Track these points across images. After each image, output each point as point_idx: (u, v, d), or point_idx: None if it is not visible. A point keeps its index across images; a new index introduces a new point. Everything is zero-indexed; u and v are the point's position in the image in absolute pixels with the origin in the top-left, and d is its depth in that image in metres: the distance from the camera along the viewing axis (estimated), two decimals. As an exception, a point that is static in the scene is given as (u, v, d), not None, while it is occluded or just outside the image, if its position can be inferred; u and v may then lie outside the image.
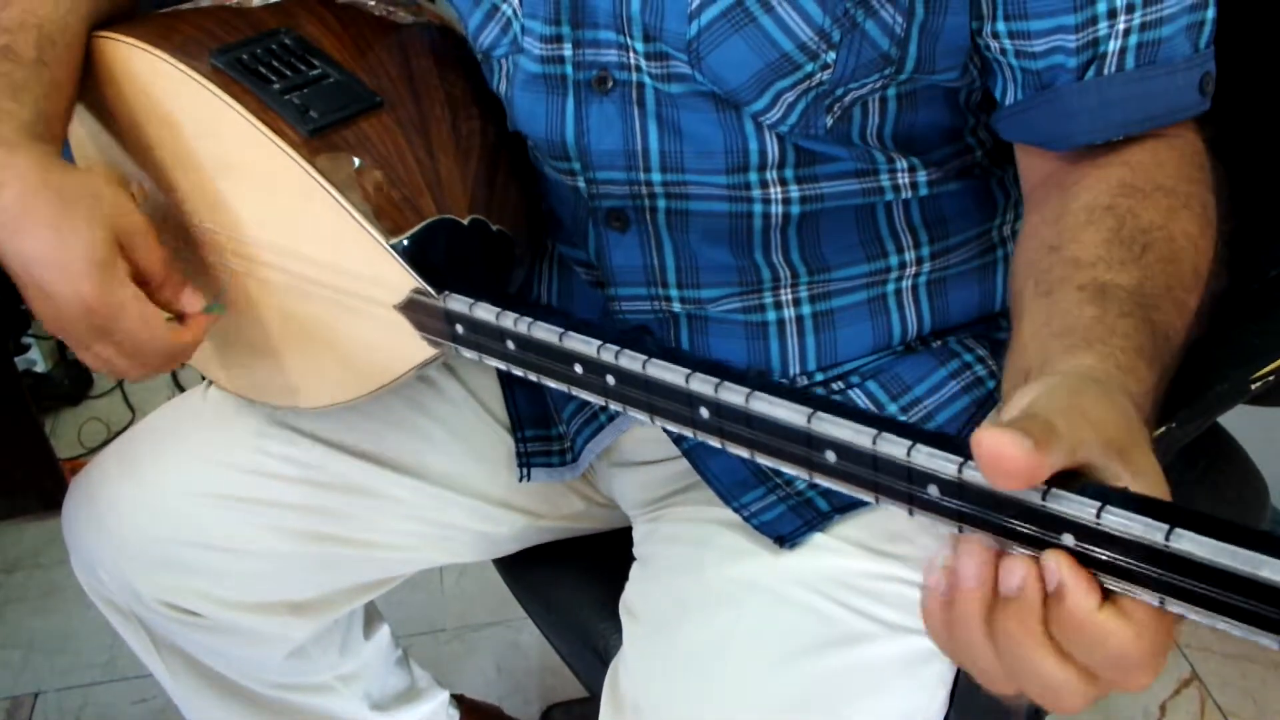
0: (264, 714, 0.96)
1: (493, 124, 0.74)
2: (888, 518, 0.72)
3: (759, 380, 0.51)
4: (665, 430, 0.75)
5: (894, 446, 0.45)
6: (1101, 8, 0.59)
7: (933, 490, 0.45)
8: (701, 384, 0.52)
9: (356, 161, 0.67)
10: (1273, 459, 0.97)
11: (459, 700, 1.22)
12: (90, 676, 1.50)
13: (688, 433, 0.55)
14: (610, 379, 0.57)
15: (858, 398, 0.73)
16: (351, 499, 0.84)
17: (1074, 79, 0.61)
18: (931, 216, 0.72)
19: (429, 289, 0.64)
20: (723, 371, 0.53)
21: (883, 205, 0.70)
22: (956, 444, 0.44)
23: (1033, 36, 0.61)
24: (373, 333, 0.70)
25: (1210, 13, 0.61)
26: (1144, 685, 0.41)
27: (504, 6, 0.69)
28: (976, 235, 0.75)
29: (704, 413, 0.53)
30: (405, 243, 0.65)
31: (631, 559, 0.82)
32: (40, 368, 1.97)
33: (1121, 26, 0.59)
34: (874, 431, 0.46)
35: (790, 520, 0.72)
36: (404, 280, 0.65)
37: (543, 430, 0.86)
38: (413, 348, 0.68)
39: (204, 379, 0.89)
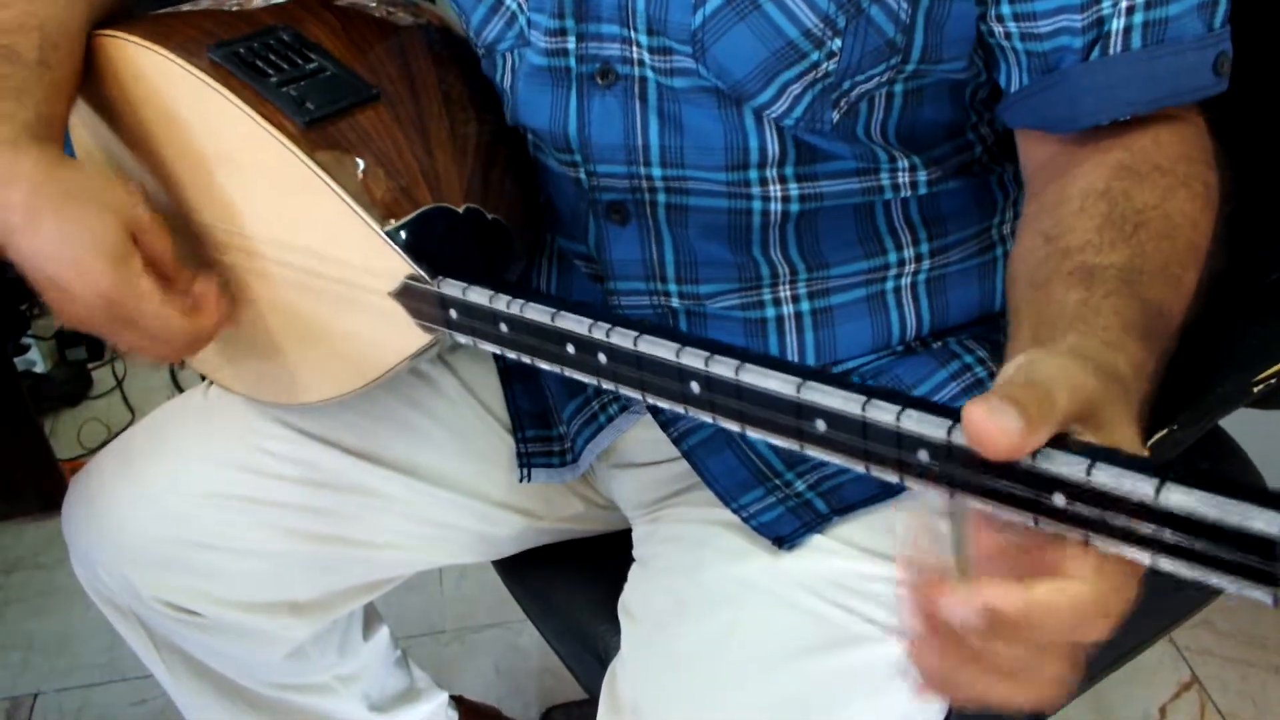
0: (263, 714, 0.96)
1: (490, 120, 0.74)
2: (887, 520, 0.72)
3: (749, 353, 0.52)
4: (662, 427, 0.76)
5: (883, 412, 0.46)
6: None
7: (922, 455, 0.45)
8: (692, 358, 0.53)
9: (352, 152, 0.68)
10: (1274, 462, 0.97)
11: (458, 702, 1.22)
12: (90, 677, 1.50)
13: (679, 409, 0.55)
14: (602, 357, 0.57)
15: (858, 399, 0.73)
16: (351, 499, 0.84)
17: (1079, 60, 0.61)
18: (930, 214, 0.72)
19: (423, 274, 0.65)
20: (713, 346, 0.53)
21: (881, 203, 0.70)
22: (946, 410, 0.44)
23: (1038, 18, 0.61)
24: (369, 323, 0.70)
25: None
26: (1101, 633, 0.41)
27: (509, 1, 0.69)
28: (975, 233, 0.75)
29: (694, 387, 0.53)
30: (400, 230, 0.66)
31: (631, 561, 0.82)
32: (40, 368, 1.97)
33: (1125, 4, 0.59)
34: (863, 398, 0.46)
35: (789, 521, 0.72)
36: (399, 267, 0.66)
37: (543, 430, 0.86)
38: (408, 336, 0.68)
39: (203, 378, 0.89)
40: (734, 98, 0.65)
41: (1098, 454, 0.40)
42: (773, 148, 0.66)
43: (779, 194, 0.68)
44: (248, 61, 0.70)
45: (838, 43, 0.61)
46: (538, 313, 0.59)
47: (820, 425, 0.49)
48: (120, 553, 0.83)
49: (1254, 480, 0.92)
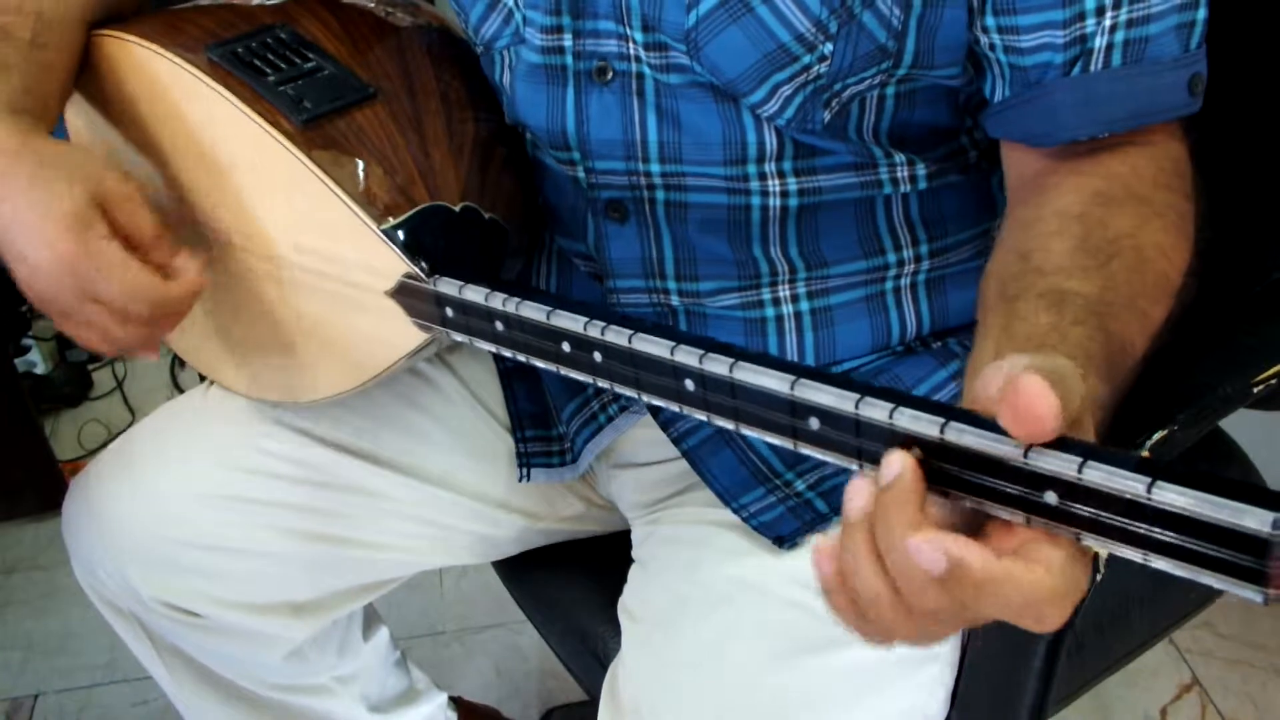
0: (263, 715, 0.96)
1: (488, 120, 0.75)
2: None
3: (743, 351, 0.52)
4: (661, 427, 0.76)
5: (876, 410, 0.46)
6: (1089, 4, 0.59)
7: (915, 453, 0.45)
8: (686, 355, 0.53)
9: (349, 150, 0.68)
10: (1274, 463, 0.97)
11: (457, 703, 1.22)
12: (90, 678, 1.50)
13: (674, 406, 0.55)
14: (597, 355, 0.58)
15: (857, 399, 0.73)
16: (351, 499, 0.84)
17: (1060, 74, 0.61)
18: (930, 214, 0.72)
19: (419, 272, 0.65)
20: (706, 343, 0.53)
21: (881, 200, 0.71)
22: (939, 406, 0.45)
23: (1021, 32, 0.61)
24: (366, 321, 0.70)
25: (1201, 13, 0.61)
26: (1056, 622, 0.41)
27: None
28: (975, 235, 0.75)
29: (689, 384, 0.54)
30: (397, 228, 0.66)
31: (630, 562, 0.82)
32: (40, 369, 1.97)
33: (1108, 23, 0.60)
34: (856, 396, 0.47)
35: (789, 521, 0.72)
36: (396, 266, 0.66)
37: (543, 430, 0.86)
38: (406, 334, 0.68)
39: (202, 379, 0.89)
40: (730, 94, 0.65)
41: (1089, 452, 0.40)
42: (770, 143, 0.67)
43: (778, 188, 0.68)
44: (245, 60, 0.70)
45: (829, 47, 0.62)
46: (533, 311, 0.59)
47: (814, 423, 0.49)
48: (120, 554, 0.83)
49: (1252, 480, 0.92)
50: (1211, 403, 0.68)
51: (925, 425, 0.44)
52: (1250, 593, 0.37)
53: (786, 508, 0.73)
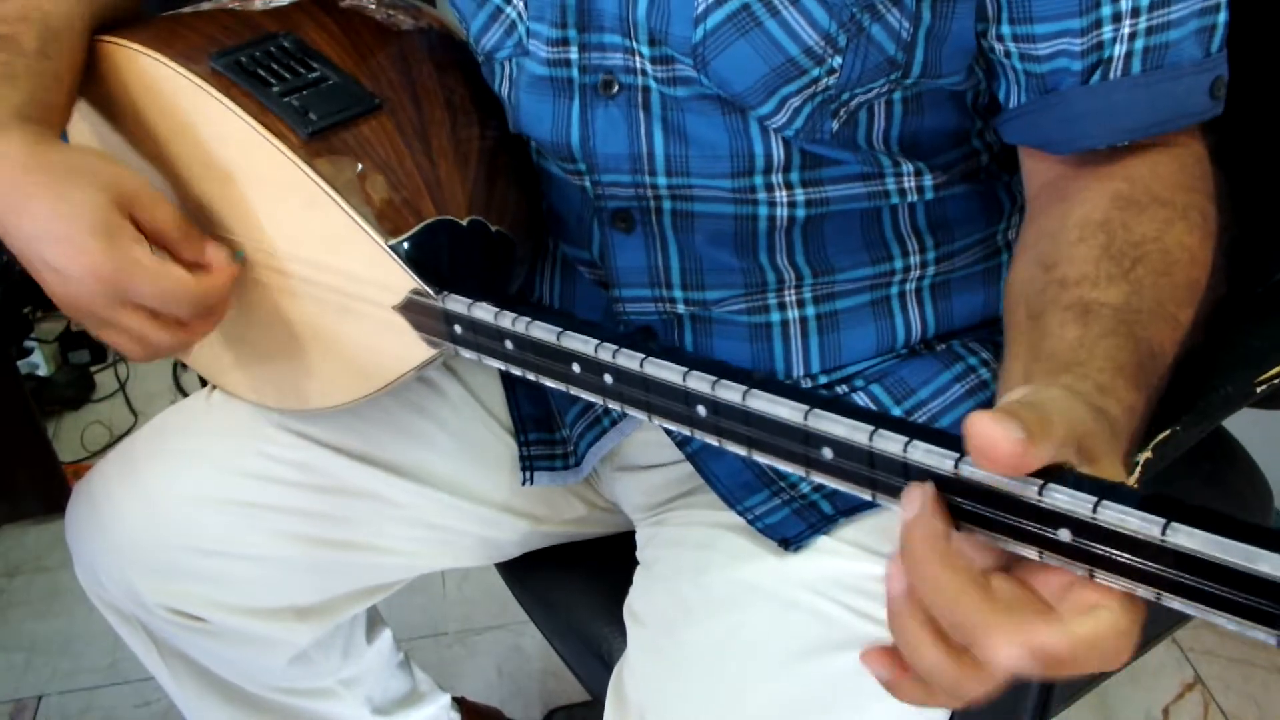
0: (266, 718, 0.96)
1: (493, 127, 0.74)
2: (891, 520, 0.72)
3: (756, 378, 0.52)
4: (666, 431, 0.76)
5: (890, 442, 0.46)
6: (1106, 11, 0.59)
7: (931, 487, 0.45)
8: (699, 381, 0.53)
9: (355, 164, 0.67)
10: (1277, 462, 0.97)
11: (460, 703, 1.22)
12: (93, 680, 1.50)
13: (685, 431, 0.55)
14: (608, 378, 0.57)
15: (862, 401, 0.73)
16: (354, 503, 0.84)
17: (1079, 83, 0.61)
18: (937, 220, 0.72)
19: (427, 289, 0.64)
20: (720, 369, 0.53)
21: (888, 209, 0.70)
22: (953, 440, 0.44)
23: (1037, 40, 0.60)
24: (373, 334, 0.70)
25: (1222, 16, 0.60)
26: (1127, 657, 0.41)
27: (508, 9, 0.69)
28: (981, 239, 0.75)
29: (701, 410, 0.53)
30: (404, 244, 0.65)
31: (634, 563, 0.81)
32: (43, 371, 1.98)
33: (1127, 30, 0.59)
34: (870, 428, 0.46)
35: (794, 523, 0.72)
36: (403, 281, 0.65)
37: (546, 434, 0.86)
38: (412, 349, 0.68)
39: (203, 383, 0.89)
40: (737, 106, 0.65)
41: (1104, 491, 0.40)
42: (778, 154, 0.66)
43: (785, 199, 0.68)
44: (250, 70, 0.70)
45: (838, 60, 0.61)
46: (543, 331, 0.59)
47: (827, 453, 0.48)
48: (124, 559, 0.83)
49: (1254, 480, 0.92)
50: (1214, 402, 0.68)
51: (939, 459, 0.44)
52: (1264, 635, 0.37)
53: (791, 510, 0.73)
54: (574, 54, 0.67)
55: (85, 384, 2.01)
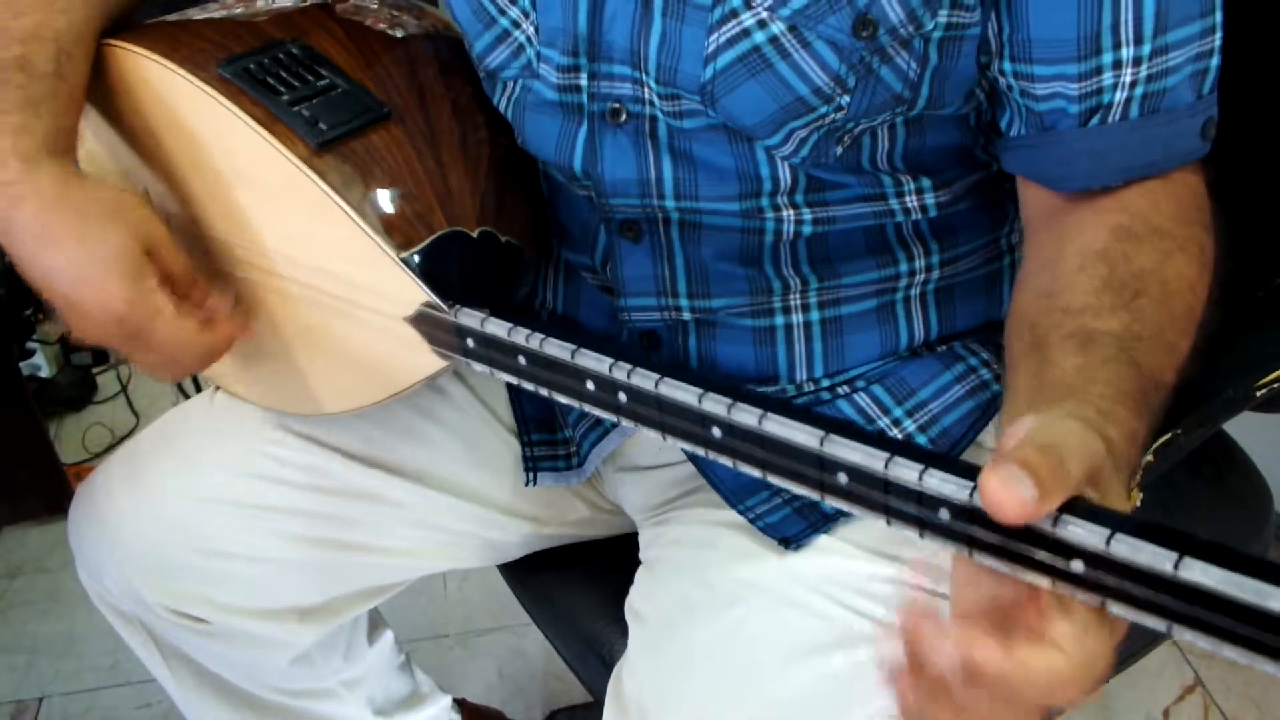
0: (267, 719, 0.96)
1: (501, 135, 0.74)
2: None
3: (772, 402, 0.52)
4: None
5: (906, 470, 0.46)
6: (1107, 59, 0.59)
7: (943, 514, 0.45)
8: (714, 404, 0.53)
9: (366, 174, 0.67)
10: (1277, 465, 0.97)
11: (461, 705, 1.22)
12: (95, 681, 1.50)
13: (700, 451, 0.55)
14: (622, 396, 0.57)
15: (863, 402, 0.73)
16: (357, 504, 0.84)
17: (1076, 125, 0.61)
18: (941, 227, 0.72)
19: (440, 303, 0.64)
20: (735, 392, 0.53)
21: (893, 225, 0.71)
22: (968, 468, 0.45)
23: (1035, 80, 0.61)
24: (383, 343, 0.70)
25: (1215, 61, 0.61)
26: (1077, 701, 0.42)
27: (517, 33, 0.69)
28: (985, 244, 0.75)
29: (716, 432, 0.53)
30: (415, 256, 0.65)
31: (636, 564, 0.82)
32: (45, 373, 1.98)
33: (1128, 79, 0.60)
34: (886, 455, 0.47)
35: (795, 522, 0.73)
36: (414, 294, 0.65)
37: (549, 434, 0.86)
38: (423, 359, 0.68)
39: (200, 387, 0.89)
40: (744, 136, 0.65)
41: (1118, 524, 0.40)
42: (784, 178, 0.67)
43: (792, 218, 0.68)
44: (258, 78, 0.69)
45: (846, 99, 0.62)
46: (557, 349, 0.59)
47: (842, 478, 0.49)
48: (126, 560, 0.83)
49: (1255, 485, 0.92)
50: (1215, 406, 0.68)
51: (954, 489, 0.44)
52: (1273, 669, 0.38)
53: (793, 509, 0.73)
54: (584, 81, 0.67)
55: (87, 385, 2.01)
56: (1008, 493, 0.40)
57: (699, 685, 0.70)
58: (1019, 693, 0.41)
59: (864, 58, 0.60)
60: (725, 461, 0.54)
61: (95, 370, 2.04)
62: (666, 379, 0.55)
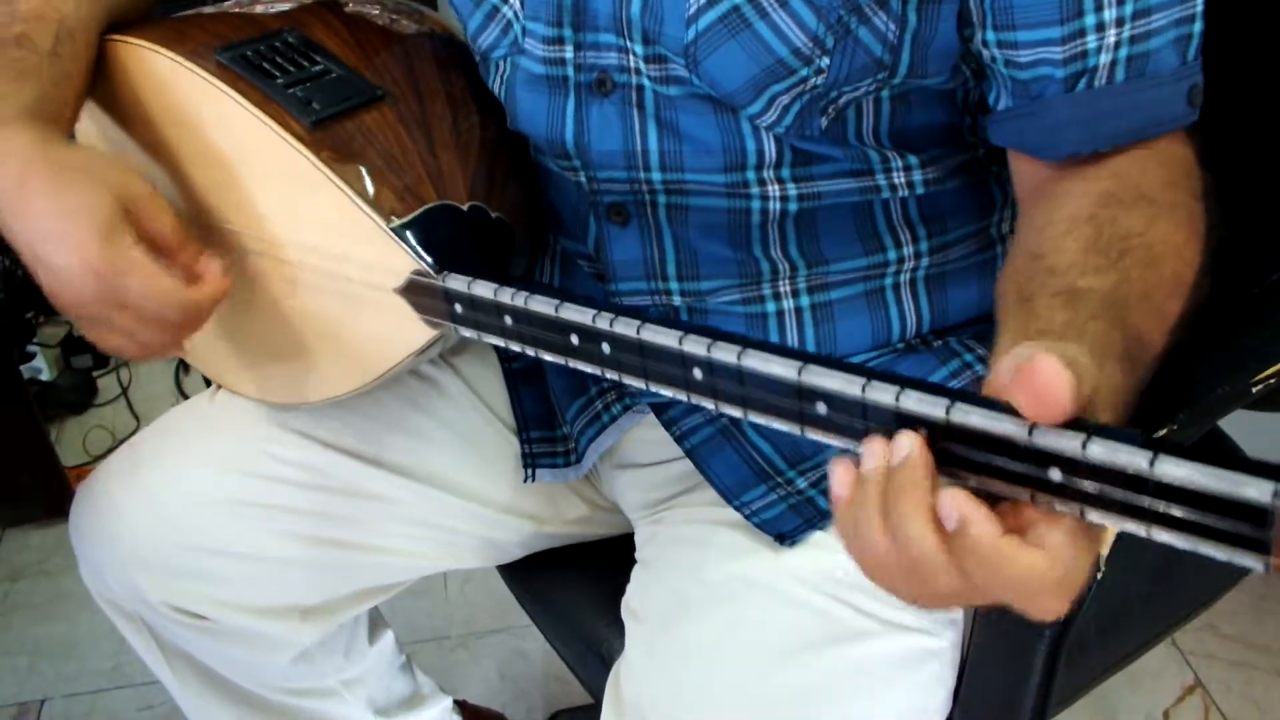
0: (268, 718, 0.96)
1: (493, 122, 0.75)
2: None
3: (751, 340, 0.53)
4: (665, 426, 0.76)
5: (882, 393, 0.47)
6: (1090, 21, 0.60)
7: (921, 434, 0.46)
8: (694, 345, 0.54)
9: (358, 151, 0.68)
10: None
11: (462, 706, 1.22)
12: (96, 683, 1.50)
13: (682, 396, 0.56)
14: (606, 346, 0.58)
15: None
16: (357, 503, 0.85)
17: (1062, 90, 0.62)
18: (929, 212, 0.73)
19: (428, 269, 0.65)
20: (715, 333, 0.54)
21: (880, 203, 0.71)
22: (944, 389, 0.46)
23: (1019, 47, 0.62)
24: (375, 319, 0.70)
25: (1198, 26, 0.62)
26: (1053, 612, 0.43)
27: (504, 8, 0.70)
28: (974, 231, 0.75)
29: (697, 373, 0.54)
30: (406, 226, 0.66)
31: (633, 564, 0.82)
32: (45, 376, 1.98)
33: (1111, 40, 0.60)
34: (863, 380, 0.48)
35: (790, 518, 0.73)
36: (404, 263, 0.66)
37: (547, 431, 0.86)
38: (412, 332, 0.69)
39: (208, 385, 0.89)
40: (729, 106, 0.66)
41: (1092, 429, 0.41)
42: (769, 150, 0.67)
43: (777, 193, 0.69)
44: (255, 64, 0.71)
45: (826, 61, 0.63)
46: (542, 304, 0.60)
47: (821, 408, 0.50)
48: (128, 559, 0.83)
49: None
50: (1210, 403, 0.68)
51: (931, 407, 0.45)
52: (1252, 561, 0.38)
53: (788, 505, 0.73)
54: (569, 53, 0.68)
55: (88, 388, 2.02)
56: (1061, 379, 0.41)
57: (695, 681, 0.70)
58: (995, 574, 0.42)
59: (841, 17, 0.61)
60: (708, 404, 0.55)
61: (96, 373, 2.05)
62: (648, 324, 0.56)
